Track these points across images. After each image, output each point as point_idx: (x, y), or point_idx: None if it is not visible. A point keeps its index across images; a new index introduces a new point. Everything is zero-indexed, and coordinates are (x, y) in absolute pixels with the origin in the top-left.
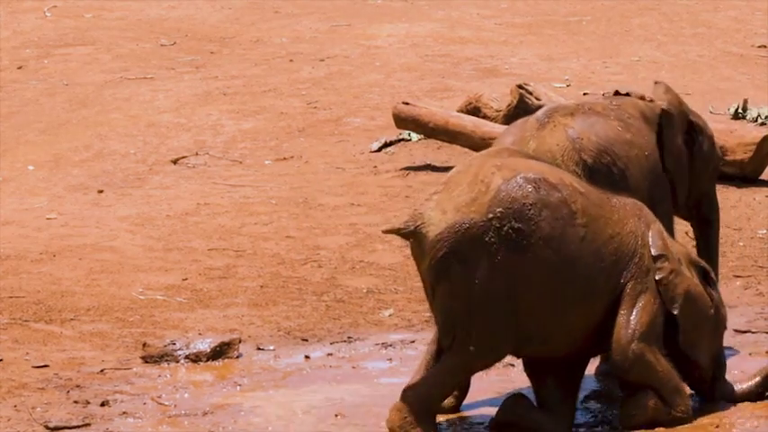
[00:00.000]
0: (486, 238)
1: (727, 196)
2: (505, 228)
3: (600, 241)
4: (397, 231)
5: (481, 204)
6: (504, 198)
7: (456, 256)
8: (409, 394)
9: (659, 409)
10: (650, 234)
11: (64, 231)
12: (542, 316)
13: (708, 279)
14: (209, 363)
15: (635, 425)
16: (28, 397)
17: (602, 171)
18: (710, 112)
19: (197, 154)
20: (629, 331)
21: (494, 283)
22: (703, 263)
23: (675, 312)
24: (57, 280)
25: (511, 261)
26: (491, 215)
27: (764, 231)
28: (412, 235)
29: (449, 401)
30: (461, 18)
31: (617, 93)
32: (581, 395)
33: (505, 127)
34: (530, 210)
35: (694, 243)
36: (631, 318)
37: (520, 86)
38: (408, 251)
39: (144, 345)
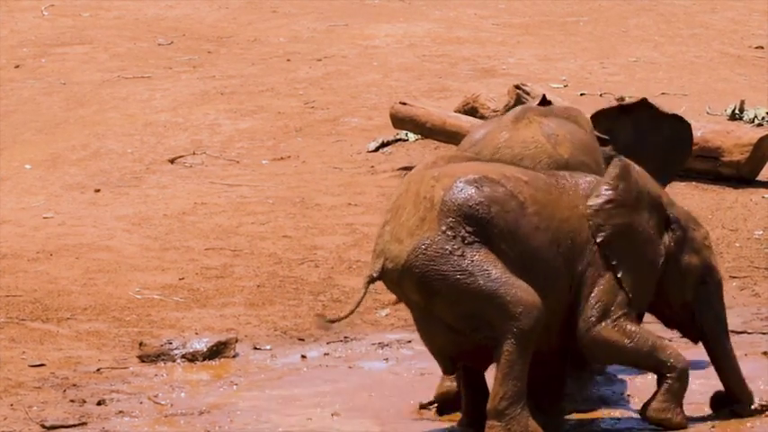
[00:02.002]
0: (449, 247)
1: (723, 197)
2: (461, 234)
3: (554, 227)
4: (371, 281)
5: (431, 221)
6: (450, 207)
7: (432, 274)
8: (494, 414)
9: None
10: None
11: (61, 230)
12: None
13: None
14: (205, 362)
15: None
16: (24, 396)
17: (579, 168)
18: (708, 113)
19: (194, 153)
20: (586, 317)
21: (479, 269)
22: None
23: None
24: (53, 279)
25: (481, 255)
26: (444, 227)
27: (761, 232)
28: (382, 275)
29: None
30: (459, 18)
31: (543, 100)
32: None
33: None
34: (478, 210)
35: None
36: (588, 304)
37: (517, 87)
38: None
39: (140, 344)
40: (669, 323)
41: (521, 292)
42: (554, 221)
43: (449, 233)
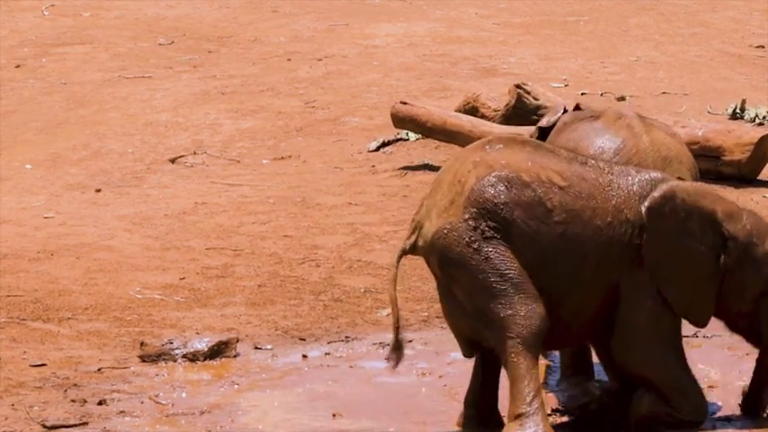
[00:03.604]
0: (467, 238)
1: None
2: (481, 227)
3: (585, 235)
4: (403, 254)
5: (458, 207)
6: (477, 198)
7: (449, 261)
8: (511, 417)
9: (657, 407)
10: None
11: (61, 230)
12: None
13: None
14: (206, 362)
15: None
16: (25, 396)
17: (686, 153)
18: (708, 112)
19: (195, 153)
20: (626, 337)
21: (491, 266)
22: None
23: None
24: (54, 279)
25: (497, 252)
26: (467, 216)
27: None
28: (413, 250)
29: None
30: (459, 18)
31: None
32: None
33: (501, 126)
34: (502, 209)
35: None
36: (630, 316)
37: (518, 86)
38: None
39: (141, 344)
40: (732, 328)
41: (526, 297)
42: (587, 229)
43: (471, 223)
